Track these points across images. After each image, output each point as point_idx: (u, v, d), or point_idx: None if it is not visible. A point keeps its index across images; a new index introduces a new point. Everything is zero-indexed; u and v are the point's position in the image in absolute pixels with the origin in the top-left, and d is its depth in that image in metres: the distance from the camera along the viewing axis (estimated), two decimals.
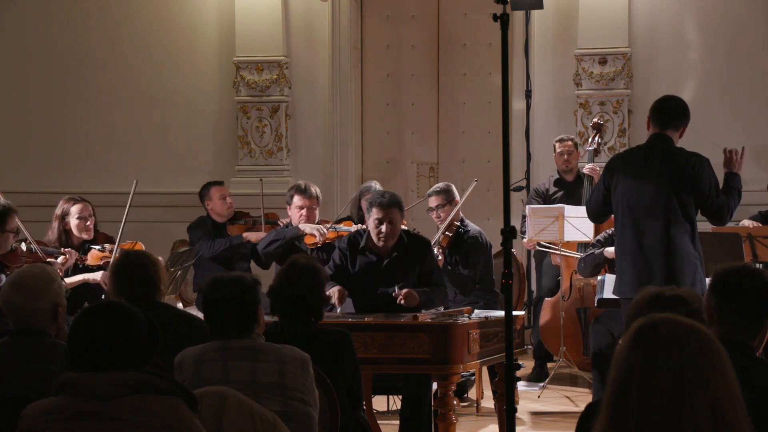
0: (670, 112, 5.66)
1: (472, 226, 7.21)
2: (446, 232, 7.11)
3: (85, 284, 6.65)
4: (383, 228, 6.06)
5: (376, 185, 7.93)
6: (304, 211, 7.28)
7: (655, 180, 5.53)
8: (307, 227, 7.18)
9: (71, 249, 6.70)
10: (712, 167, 5.66)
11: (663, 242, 5.49)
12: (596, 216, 6.03)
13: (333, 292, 5.98)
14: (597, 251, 7.12)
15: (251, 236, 7.72)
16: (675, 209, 5.49)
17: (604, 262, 7.01)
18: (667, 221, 5.49)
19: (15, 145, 9.81)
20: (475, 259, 7.04)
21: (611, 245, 7.14)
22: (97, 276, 6.62)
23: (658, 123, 5.64)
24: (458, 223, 7.15)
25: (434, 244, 7.01)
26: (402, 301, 5.96)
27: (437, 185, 7.39)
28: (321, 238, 7.10)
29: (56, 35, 9.75)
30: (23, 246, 6.41)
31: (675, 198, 5.51)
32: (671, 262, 5.46)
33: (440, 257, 6.99)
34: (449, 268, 7.01)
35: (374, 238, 6.12)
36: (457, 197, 7.24)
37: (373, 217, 6.10)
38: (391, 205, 6.07)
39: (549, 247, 7.72)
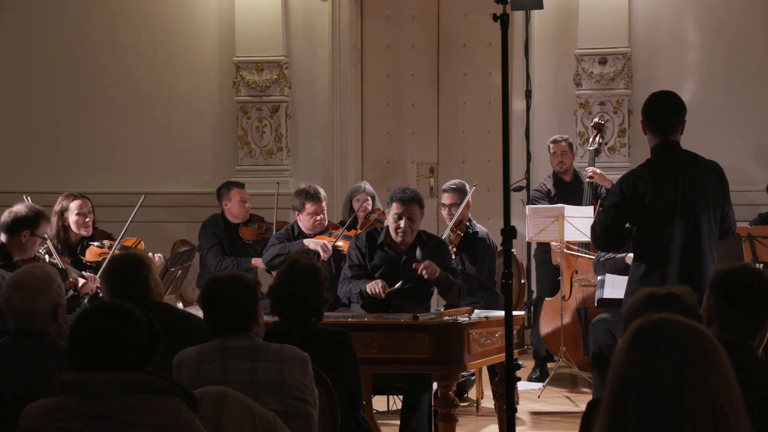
0: (671, 117, 5.27)
1: (480, 227, 7.23)
2: (458, 231, 7.12)
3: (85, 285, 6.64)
4: (402, 223, 6.06)
5: (366, 185, 7.94)
6: (318, 217, 7.27)
7: (685, 194, 5.19)
8: (311, 243, 7.15)
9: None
10: None
11: (696, 256, 5.17)
12: (609, 245, 5.53)
13: (376, 283, 5.99)
14: (618, 256, 7.05)
15: (258, 263, 7.67)
16: (710, 221, 5.22)
17: (625, 269, 6.88)
18: (701, 233, 5.19)
19: (16, 145, 9.81)
20: (482, 260, 7.06)
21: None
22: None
23: (660, 131, 5.26)
24: (467, 223, 7.18)
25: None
26: (423, 272, 5.95)
27: (452, 182, 7.38)
28: (326, 255, 7.06)
29: (57, 36, 9.75)
30: (46, 258, 6.33)
31: (713, 211, 5.22)
32: (700, 276, 5.13)
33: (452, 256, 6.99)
34: (458, 267, 7.03)
35: (392, 233, 6.10)
36: (470, 197, 7.27)
37: (392, 212, 6.10)
38: (411, 201, 6.06)
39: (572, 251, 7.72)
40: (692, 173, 5.25)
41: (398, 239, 6.09)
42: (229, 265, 7.61)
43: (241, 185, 8.02)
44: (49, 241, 6.34)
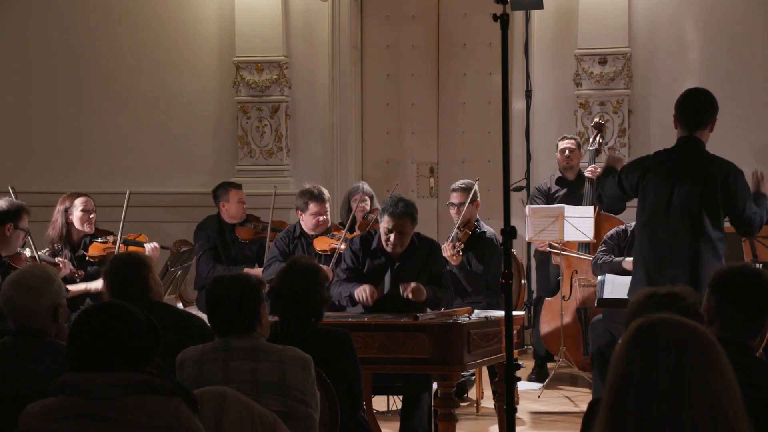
0: (696, 114, 5.35)
1: (488, 228, 7.24)
2: (466, 230, 7.13)
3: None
4: (392, 237, 6.04)
5: (364, 185, 7.94)
6: (320, 218, 7.24)
7: (687, 189, 5.25)
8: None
9: (66, 260, 6.66)
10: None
11: (689, 255, 5.20)
12: (612, 209, 6.06)
13: (364, 289, 5.98)
14: (616, 259, 7.02)
15: (251, 272, 7.64)
16: (705, 220, 5.23)
17: (621, 272, 6.90)
18: (696, 233, 5.22)
19: (16, 145, 9.81)
20: (489, 259, 7.07)
21: (623, 244, 7.12)
22: (99, 284, 6.57)
23: (685, 126, 5.35)
24: (475, 223, 7.20)
25: (452, 239, 7.04)
26: (409, 295, 5.95)
27: (462, 182, 7.39)
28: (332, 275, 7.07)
29: (57, 36, 9.75)
30: (27, 252, 6.41)
31: (705, 209, 5.24)
32: (696, 275, 5.15)
33: (460, 252, 6.98)
34: (467, 266, 7.04)
35: (383, 244, 6.09)
36: (478, 196, 7.28)
37: (383, 224, 6.06)
38: (403, 216, 6.01)
39: (556, 249, 7.71)
40: (699, 170, 5.26)
41: (388, 250, 6.10)
42: (220, 272, 7.54)
43: (238, 186, 8.01)
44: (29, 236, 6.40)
